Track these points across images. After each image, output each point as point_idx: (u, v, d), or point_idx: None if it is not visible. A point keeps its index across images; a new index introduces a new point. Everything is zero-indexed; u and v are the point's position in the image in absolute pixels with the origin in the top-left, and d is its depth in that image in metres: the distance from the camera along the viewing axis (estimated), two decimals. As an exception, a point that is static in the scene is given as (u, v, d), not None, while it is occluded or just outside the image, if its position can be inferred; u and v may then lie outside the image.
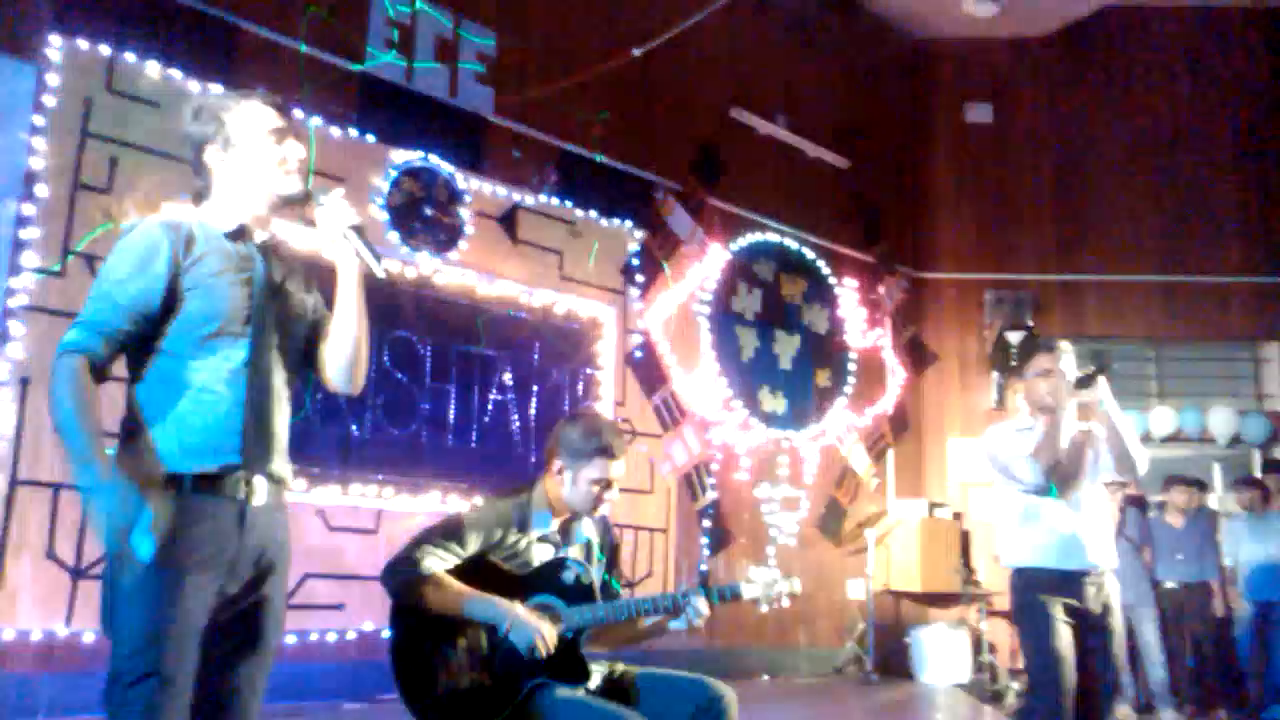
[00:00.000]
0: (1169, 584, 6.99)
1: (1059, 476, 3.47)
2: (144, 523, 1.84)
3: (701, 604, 2.86)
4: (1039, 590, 3.46)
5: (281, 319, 2.16)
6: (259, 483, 2.06)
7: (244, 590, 2.04)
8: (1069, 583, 3.44)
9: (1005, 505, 3.64)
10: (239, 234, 2.13)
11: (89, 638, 4.61)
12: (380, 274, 2.16)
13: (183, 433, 1.99)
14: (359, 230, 2.17)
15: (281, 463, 2.14)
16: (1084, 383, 3.42)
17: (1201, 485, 7.50)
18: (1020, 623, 3.61)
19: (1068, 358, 3.56)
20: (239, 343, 2.06)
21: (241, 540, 2.02)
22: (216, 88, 5.37)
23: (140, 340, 2.01)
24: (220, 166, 2.14)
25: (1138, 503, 7.25)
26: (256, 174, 2.13)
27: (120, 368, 2.05)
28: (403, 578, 2.77)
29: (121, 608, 1.91)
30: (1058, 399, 3.47)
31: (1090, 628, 3.45)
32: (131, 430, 2.01)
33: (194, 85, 5.31)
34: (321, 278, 2.28)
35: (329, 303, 2.27)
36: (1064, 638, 3.41)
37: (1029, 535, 3.53)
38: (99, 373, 1.96)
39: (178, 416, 1.99)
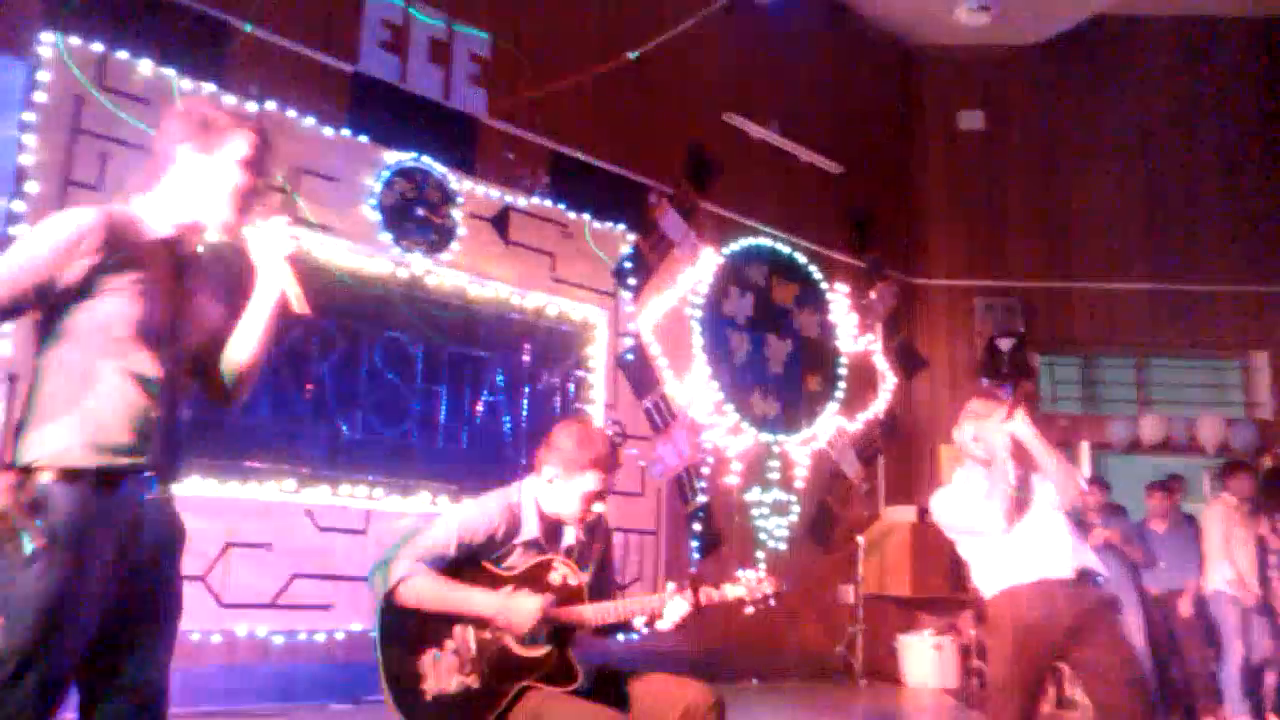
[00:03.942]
0: (1153, 590, 7.00)
1: (1013, 513, 3.54)
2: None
3: (684, 605, 2.86)
4: (1013, 613, 3.48)
5: (188, 328, 2.19)
6: (160, 481, 2.11)
7: (137, 573, 2.06)
8: (1044, 594, 3.45)
9: (966, 547, 3.72)
10: (170, 239, 2.17)
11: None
12: (300, 309, 2.22)
13: (90, 428, 2.01)
14: (292, 261, 2.21)
15: (178, 459, 2.19)
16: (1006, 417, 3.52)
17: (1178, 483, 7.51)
18: (990, 644, 3.69)
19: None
20: (149, 349, 2.08)
21: (137, 533, 2.06)
22: (209, 86, 5.37)
23: (50, 317, 2.04)
24: (186, 167, 2.18)
25: (1118, 510, 7.25)
26: (208, 192, 2.18)
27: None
28: (393, 578, 2.76)
29: (14, 597, 1.91)
30: (988, 444, 3.56)
31: (1082, 638, 3.41)
32: (31, 418, 2.02)
33: (186, 83, 5.30)
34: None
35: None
36: (1025, 664, 3.43)
37: (995, 561, 3.59)
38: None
39: (86, 412, 2.01)
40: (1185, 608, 6.81)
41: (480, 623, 2.76)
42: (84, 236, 2.02)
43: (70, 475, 1.97)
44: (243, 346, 2.26)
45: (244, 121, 2.24)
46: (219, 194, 2.18)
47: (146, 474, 2.08)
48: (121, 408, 2.04)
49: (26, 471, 1.96)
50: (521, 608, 2.72)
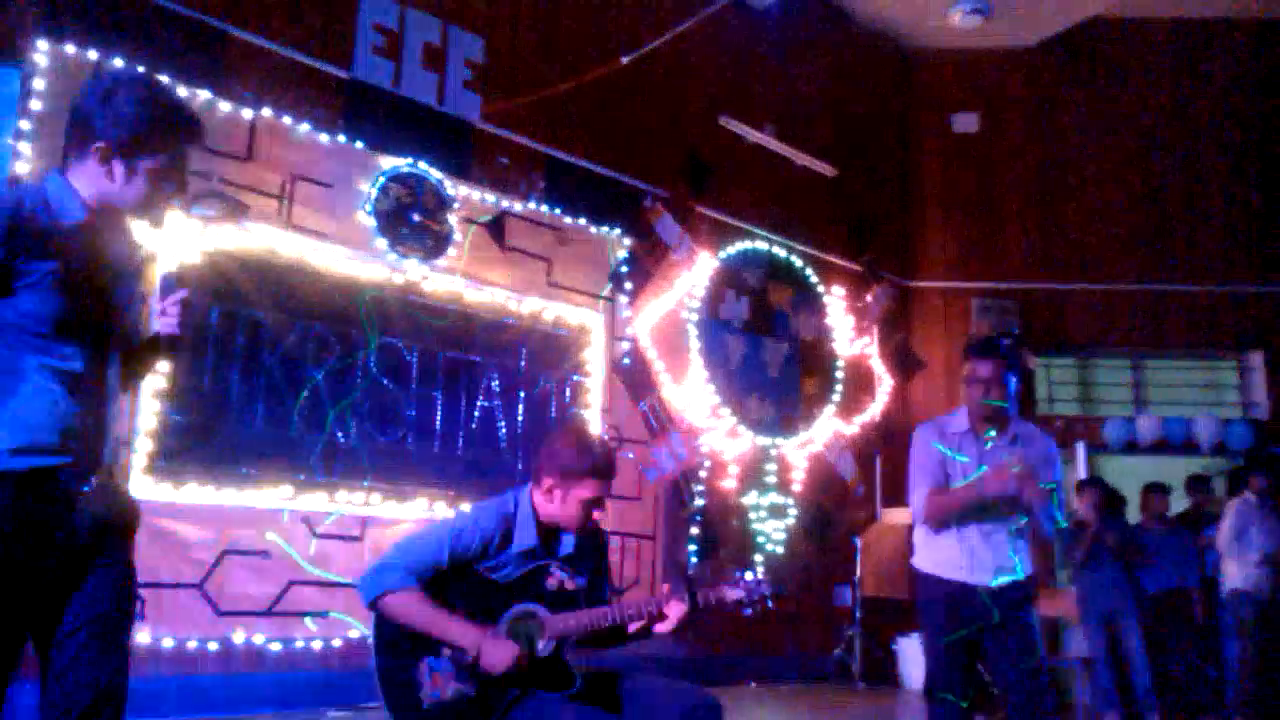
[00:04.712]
0: (1150, 591, 7.00)
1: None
2: None
3: (681, 608, 2.86)
4: (933, 595, 3.68)
5: (112, 318, 2.15)
6: (94, 474, 2.08)
7: (78, 564, 2.04)
8: (960, 595, 3.61)
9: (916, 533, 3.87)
10: (86, 223, 2.10)
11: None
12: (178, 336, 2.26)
13: (18, 430, 1.97)
14: (185, 303, 2.24)
15: (111, 451, 2.16)
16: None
17: (1200, 484, 7.51)
18: (920, 621, 3.85)
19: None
20: (73, 343, 2.05)
21: (74, 525, 2.03)
22: (204, 93, 5.37)
23: None
24: (100, 166, 2.10)
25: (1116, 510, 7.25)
26: (122, 194, 2.13)
27: None
28: (379, 587, 2.76)
29: None
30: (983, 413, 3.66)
31: (994, 635, 3.60)
32: None
33: (181, 91, 5.30)
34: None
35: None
36: (955, 636, 3.60)
37: (931, 545, 3.74)
38: None
39: (13, 413, 1.97)
40: (1199, 615, 6.85)
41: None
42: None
43: (2, 478, 1.95)
44: (138, 354, 2.27)
45: (172, 132, 2.15)
46: (131, 198, 2.14)
47: (77, 470, 2.03)
48: (48, 406, 2.00)
49: None
50: (497, 652, 2.69)
